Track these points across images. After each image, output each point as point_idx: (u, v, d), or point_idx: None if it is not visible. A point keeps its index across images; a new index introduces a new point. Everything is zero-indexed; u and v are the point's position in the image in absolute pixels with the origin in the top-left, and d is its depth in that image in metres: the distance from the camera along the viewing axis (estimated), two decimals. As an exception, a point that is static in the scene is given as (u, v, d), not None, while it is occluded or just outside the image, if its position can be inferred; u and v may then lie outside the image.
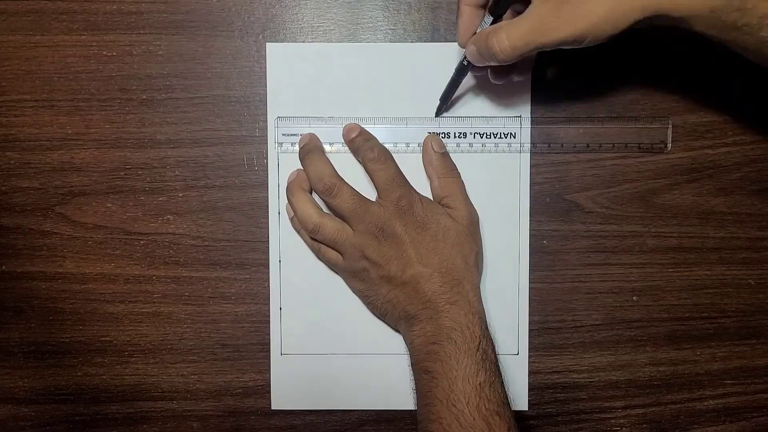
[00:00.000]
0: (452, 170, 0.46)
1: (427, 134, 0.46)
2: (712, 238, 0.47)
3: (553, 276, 0.47)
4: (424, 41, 0.46)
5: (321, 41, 0.47)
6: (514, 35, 0.37)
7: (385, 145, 0.46)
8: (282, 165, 0.47)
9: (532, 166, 0.47)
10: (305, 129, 0.46)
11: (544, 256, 0.47)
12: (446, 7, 0.46)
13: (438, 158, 0.45)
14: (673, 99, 0.47)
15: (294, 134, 0.46)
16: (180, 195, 0.47)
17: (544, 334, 0.48)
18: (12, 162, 0.47)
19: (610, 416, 0.48)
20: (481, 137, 0.46)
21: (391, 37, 0.47)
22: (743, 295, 0.48)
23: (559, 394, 0.48)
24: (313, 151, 0.46)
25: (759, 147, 0.47)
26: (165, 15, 0.46)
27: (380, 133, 0.46)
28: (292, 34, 0.47)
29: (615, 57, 0.46)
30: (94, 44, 0.47)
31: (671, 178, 0.47)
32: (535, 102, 0.46)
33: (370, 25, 0.47)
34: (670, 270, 0.47)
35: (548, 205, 0.47)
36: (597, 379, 0.48)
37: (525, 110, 0.46)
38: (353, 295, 0.47)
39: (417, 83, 0.46)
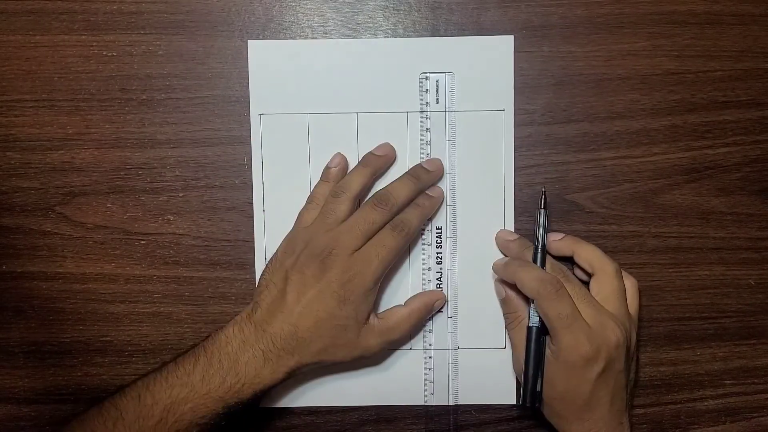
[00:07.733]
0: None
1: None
2: (712, 238, 0.47)
3: (553, 276, 0.47)
4: (424, 41, 0.47)
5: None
6: None
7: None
8: (266, 164, 0.47)
9: (531, 166, 0.47)
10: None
11: (544, 256, 0.47)
12: (446, 7, 0.46)
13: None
14: (673, 99, 0.47)
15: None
16: (180, 195, 0.47)
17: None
18: (12, 162, 0.47)
19: (610, 416, 0.48)
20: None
21: (391, 36, 0.47)
22: (743, 295, 0.48)
23: (559, 394, 0.48)
24: None
25: (759, 147, 0.47)
26: (165, 15, 0.46)
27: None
28: (292, 34, 0.47)
29: (615, 57, 0.46)
30: (94, 44, 0.47)
31: (671, 178, 0.47)
32: (534, 101, 0.46)
33: (370, 25, 0.47)
34: (670, 270, 0.47)
35: (548, 205, 0.47)
36: (597, 379, 0.48)
37: (509, 104, 0.46)
38: None
39: (407, 78, 0.46)
